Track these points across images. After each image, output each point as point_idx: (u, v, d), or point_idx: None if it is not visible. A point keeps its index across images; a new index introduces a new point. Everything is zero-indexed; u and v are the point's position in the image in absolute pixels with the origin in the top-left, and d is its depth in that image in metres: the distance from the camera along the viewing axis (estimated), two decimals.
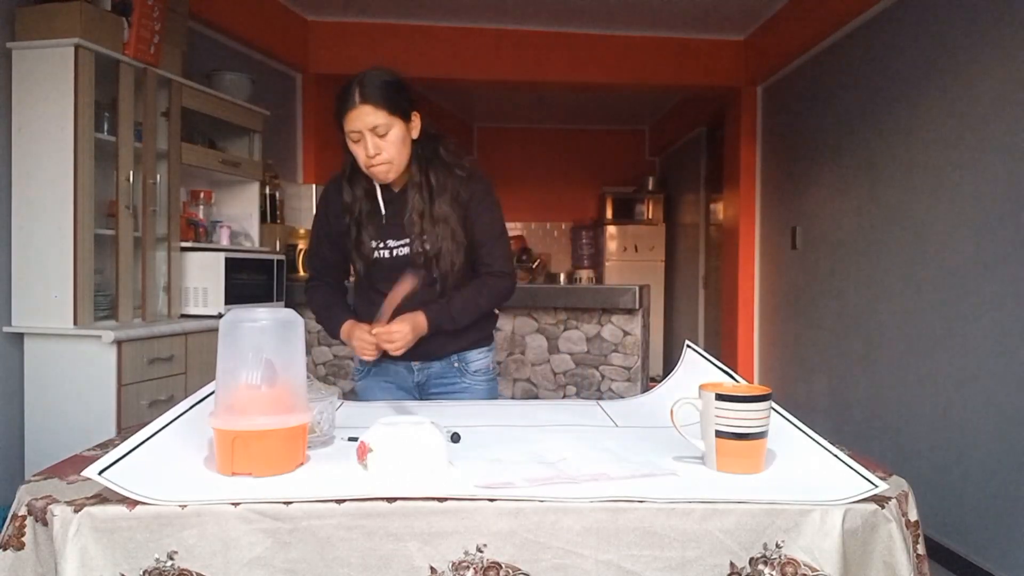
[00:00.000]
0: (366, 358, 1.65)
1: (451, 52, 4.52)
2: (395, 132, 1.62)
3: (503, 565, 0.94)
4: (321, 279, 1.85)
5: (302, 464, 1.10)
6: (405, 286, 1.56)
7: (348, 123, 1.63)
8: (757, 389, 1.11)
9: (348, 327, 1.70)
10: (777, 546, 0.94)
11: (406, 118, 1.65)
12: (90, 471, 0.96)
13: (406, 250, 1.70)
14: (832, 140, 3.68)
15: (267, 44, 3.96)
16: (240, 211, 3.46)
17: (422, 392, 1.80)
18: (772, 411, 1.15)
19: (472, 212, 1.70)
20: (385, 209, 1.71)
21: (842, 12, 3.40)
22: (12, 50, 2.48)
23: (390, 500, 0.95)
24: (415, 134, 1.69)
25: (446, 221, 1.66)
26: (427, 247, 1.67)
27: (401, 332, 1.58)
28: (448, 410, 1.56)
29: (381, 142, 1.61)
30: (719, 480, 1.05)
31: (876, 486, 1.00)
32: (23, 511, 0.95)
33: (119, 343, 2.43)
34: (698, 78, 4.69)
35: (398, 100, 1.62)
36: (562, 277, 6.49)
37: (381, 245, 1.72)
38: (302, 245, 3.87)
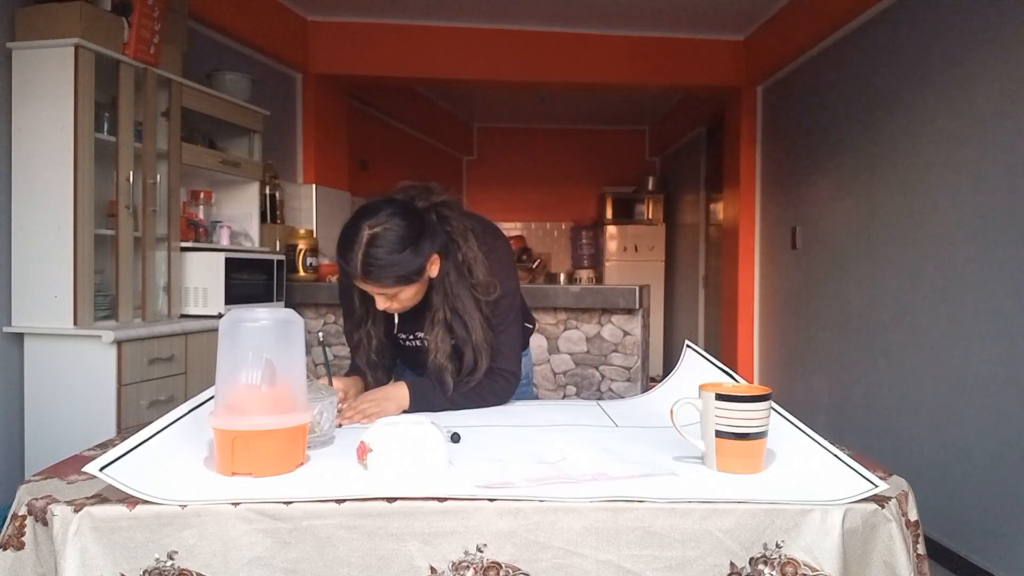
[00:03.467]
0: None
1: (451, 52, 4.52)
2: (407, 292, 1.45)
3: (503, 565, 0.94)
4: (359, 327, 1.66)
5: (302, 464, 1.10)
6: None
7: (354, 282, 1.46)
8: (757, 389, 1.11)
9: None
10: (777, 546, 0.94)
11: (419, 278, 1.44)
12: (91, 467, 0.96)
13: (417, 343, 1.63)
14: (832, 140, 3.68)
15: (267, 44, 3.96)
16: (240, 211, 3.46)
17: None
18: (772, 411, 1.15)
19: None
20: (399, 316, 1.57)
21: (842, 12, 3.40)
22: (12, 50, 2.48)
23: (390, 500, 0.95)
24: (435, 272, 1.48)
25: (464, 328, 1.52)
26: (438, 352, 1.54)
27: (359, 411, 1.44)
28: None
29: (392, 300, 1.46)
30: (719, 480, 1.05)
31: (876, 486, 1.00)
32: (23, 511, 0.95)
33: (119, 343, 2.43)
34: (698, 78, 4.69)
35: (409, 272, 1.40)
36: (562, 277, 6.49)
37: (401, 336, 1.65)
38: (302, 245, 3.87)
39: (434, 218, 1.48)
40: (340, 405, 1.45)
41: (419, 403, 1.50)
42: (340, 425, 1.37)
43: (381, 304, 1.47)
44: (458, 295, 1.51)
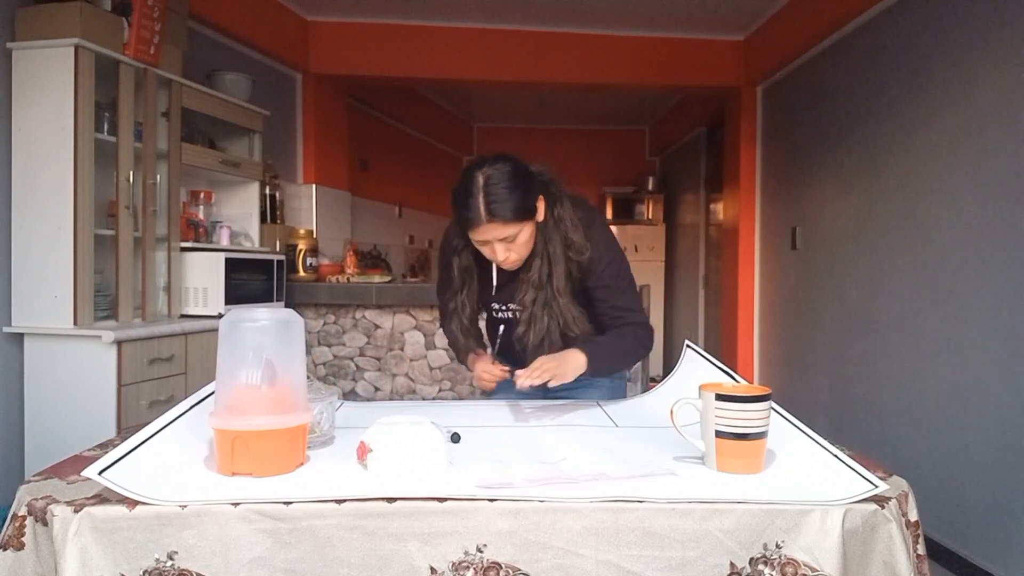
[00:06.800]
0: (485, 388, 1.67)
1: (451, 52, 4.52)
2: (524, 233, 1.52)
3: (503, 565, 0.94)
4: (455, 296, 1.75)
5: (302, 464, 1.10)
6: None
7: (473, 235, 1.52)
8: (757, 389, 1.11)
9: (473, 359, 1.73)
10: (777, 546, 0.94)
11: (533, 214, 1.53)
12: (90, 471, 0.96)
13: (510, 315, 1.68)
14: (832, 140, 3.68)
15: (267, 44, 3.96)
16: (240, 211, 3.46)
17: (547, 392, 1.69)
18: (772, 411, 1.15)
19: (595, 269, 1.59)
20: (497, 279, 1.65)
21: (842, 12, 3.40)
22: (12, 50, 2.48)
23: (390, 500, 0.95)
24: (541, 217, 1.56)
25: (556, 300, 1.58)
26: (531, 316, 1.59)
27: (546, 369, 1.47)
28: (448, 410, 1.56)
29: (511, 246, 1.52)
30: (719, 480, 1.05)
31: (876, 486, 1.00)
32: (23, 511, 0.95)
33: (119, 343, 2.43)
34: (698, 78, 4.69)
35: (525, 205, 1.49)
36: None
37: (495, 306, 1.71)
38: (302, 245, 3.87)
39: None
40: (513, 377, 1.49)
41: (594, 363, 1.54)
42: (526, 388, 1.42)
43: (500, 254, 1.52)
44: (552, 241, 1.56)
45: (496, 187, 1.46)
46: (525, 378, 1.44)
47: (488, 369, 1.64)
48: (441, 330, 1.91)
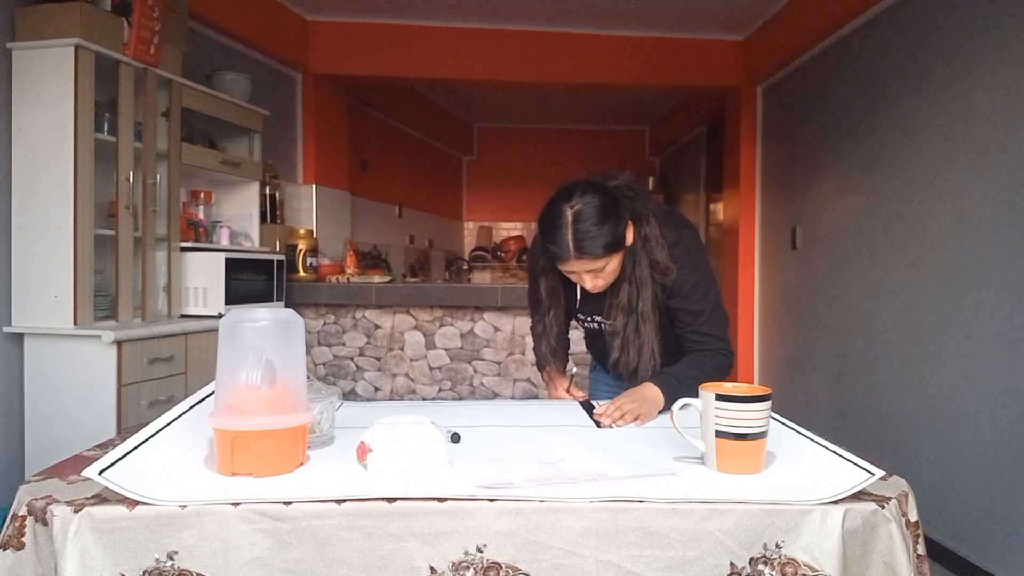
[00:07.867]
0: None
1: (451, 52, 4.52)
2: (613, 263, 1.50)
3: (503, 565, 0.94)
4: (543, 316, 1.76)
5: (302, 464, 1.10)
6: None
7: (561, 266, 1.51)
8: (757, 389, 1.11)
9: (547, 375, 1.80)
10: (777, 546, 0.94)
11: (623, 245, 1.50)
12: (90, 471, 0.96)
13: (596, 325, 1.70)
14: (832, 140, 3.68)
15: (267, 44, 3.96)
16: (240, 211, 3.46)
17: None
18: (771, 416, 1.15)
19: (678, 292, 1.57)
20: (581, 293, 1.64)
21: (842, 12, 3.40)
22: (12, 50, 2.48)
23: (390, 500, 0.95)
24: (629, 242, 1.53)
25: (644, 324, 1.56)
26: (624, 341, 1.59)
27: (628, 411, 1.42)
28: (448, 410, 1.56)
29: (599, 274, 1.51)
30: (719, 480, 1.05)
31: (873, 475, 1.00)
32: (23, 511, 0.95)
33: (119, 343, 2.43)
34: (698, 78, 4.69)
35: (615, 238, 1.46)
36: None
37: (581, 316, 1.73)
38: (302, 245, 3.87)
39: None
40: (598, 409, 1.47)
41: (671, 400, 1.45)
42: (611, 426, 1.39)
43: (588, 283, 1.52)
44: (639, 264, 1.55)
45: (585, 223, 1.43)
46: (607, 417, 1.41)
47: (561, 397, 1.71)
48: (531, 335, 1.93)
